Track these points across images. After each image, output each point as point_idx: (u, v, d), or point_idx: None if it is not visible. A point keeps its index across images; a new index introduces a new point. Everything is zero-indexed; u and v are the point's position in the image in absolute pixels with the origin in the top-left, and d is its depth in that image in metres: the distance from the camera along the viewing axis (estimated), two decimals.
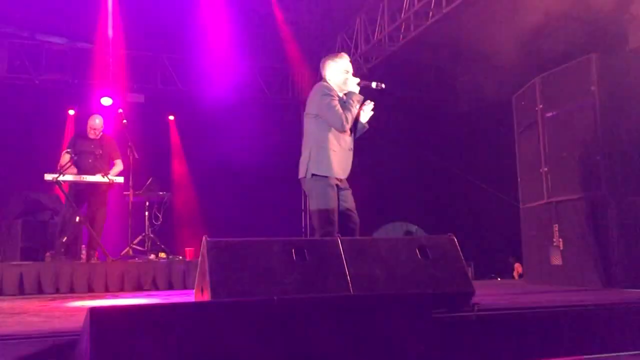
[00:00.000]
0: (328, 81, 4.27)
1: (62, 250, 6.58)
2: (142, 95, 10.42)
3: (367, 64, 9.84)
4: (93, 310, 2.29)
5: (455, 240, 3.64)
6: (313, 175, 4.14)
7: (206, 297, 3.01)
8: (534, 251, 6.23)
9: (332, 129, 4.16)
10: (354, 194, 4.28)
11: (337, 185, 4.18)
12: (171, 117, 11.24)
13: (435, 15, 7.94)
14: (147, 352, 2.23)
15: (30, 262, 6.30)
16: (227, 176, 10.49)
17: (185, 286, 6.17)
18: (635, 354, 2.91)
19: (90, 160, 6.88)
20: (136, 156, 7.19)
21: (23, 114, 9.55)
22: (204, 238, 3.14)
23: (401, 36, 8.76)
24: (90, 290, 5.86)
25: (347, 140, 4.25)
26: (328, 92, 4.18)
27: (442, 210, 10.09)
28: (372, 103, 4.33)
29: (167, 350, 2.26)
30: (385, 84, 4.21)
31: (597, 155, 5.40)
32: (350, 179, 4.31)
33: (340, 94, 4.24)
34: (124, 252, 7.28)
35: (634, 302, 3.58)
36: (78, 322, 2.63)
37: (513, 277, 8.42)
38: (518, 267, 8.15)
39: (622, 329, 3.19)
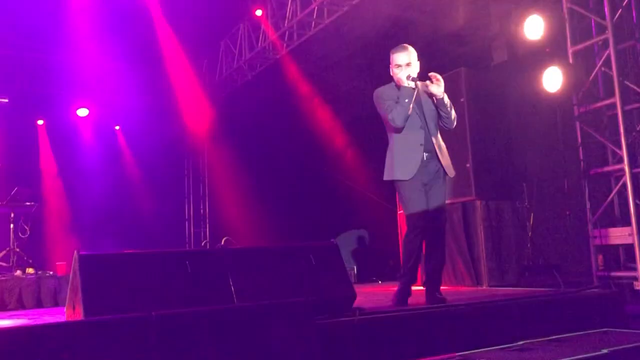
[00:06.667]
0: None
1: None
2: (5, 97, 9.52)
3: (252, 71, 9.81)
4: None
5: (338, 246, 3.72)
6: (387, 180, 4.11)
7: (78, 315, 2.82)
8: None
9: (395, 130, 4.01)
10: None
11: (418, 184, 3.98)
12: (40, 122, 10.43)
13: (317, 26, 8.10)
14: None
15: None
16: (105, 186, 9.89)
17: (57, 303, 5.86)
18: (502, 348, 3.14)
19: None
20: None
21: None
22: (75, 252, 2.95)
23: (285, 45, 8.84)
24: None
25: (417, 135, 3.97)
26: (378, 97, 4.07)
27: (324, 214, 10.23)
28: (435, 78, 3.90)
29: None
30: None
31: (467, 163, 5.81)
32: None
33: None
34: None
35: (500, 300, 3.89)
36: None
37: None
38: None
39: (489, 326, 3.43)
